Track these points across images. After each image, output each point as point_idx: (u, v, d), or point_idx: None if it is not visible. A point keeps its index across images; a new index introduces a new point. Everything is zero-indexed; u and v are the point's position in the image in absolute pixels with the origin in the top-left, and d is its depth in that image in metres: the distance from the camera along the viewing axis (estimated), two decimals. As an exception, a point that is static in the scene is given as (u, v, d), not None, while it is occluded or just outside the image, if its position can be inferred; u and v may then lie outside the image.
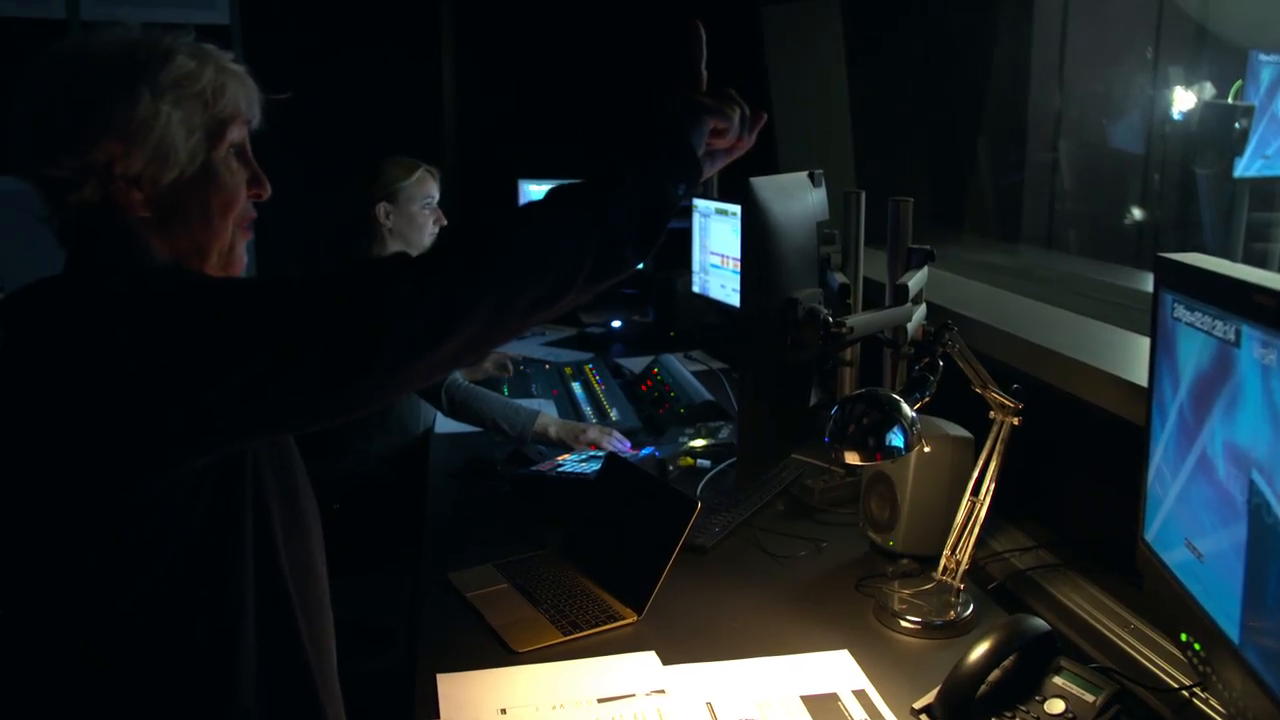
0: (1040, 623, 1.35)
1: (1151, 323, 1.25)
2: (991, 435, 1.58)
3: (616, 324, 3.61)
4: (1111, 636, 1.49)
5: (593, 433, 2.37)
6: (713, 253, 3.16)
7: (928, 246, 1.74)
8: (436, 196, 2.71)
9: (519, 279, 1.08)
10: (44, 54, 1.12)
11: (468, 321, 1.05)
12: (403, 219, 2.65)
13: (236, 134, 1.19)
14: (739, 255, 2.80)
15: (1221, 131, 2.68)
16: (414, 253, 2.75)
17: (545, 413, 2.44)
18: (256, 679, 1.12)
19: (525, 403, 2.73)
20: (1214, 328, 1.08)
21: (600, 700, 1.39)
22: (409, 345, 1.03)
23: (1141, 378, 1.38)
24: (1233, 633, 1.07)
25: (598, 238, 1.12)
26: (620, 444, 2.35)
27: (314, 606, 1.24)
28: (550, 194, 1.15)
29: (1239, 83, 2.66)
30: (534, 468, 2.22)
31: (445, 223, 2.70)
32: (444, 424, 2.59)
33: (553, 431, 2.38)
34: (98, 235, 1.13)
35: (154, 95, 1.10)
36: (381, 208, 2.64)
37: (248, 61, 1.23)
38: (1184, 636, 1.20)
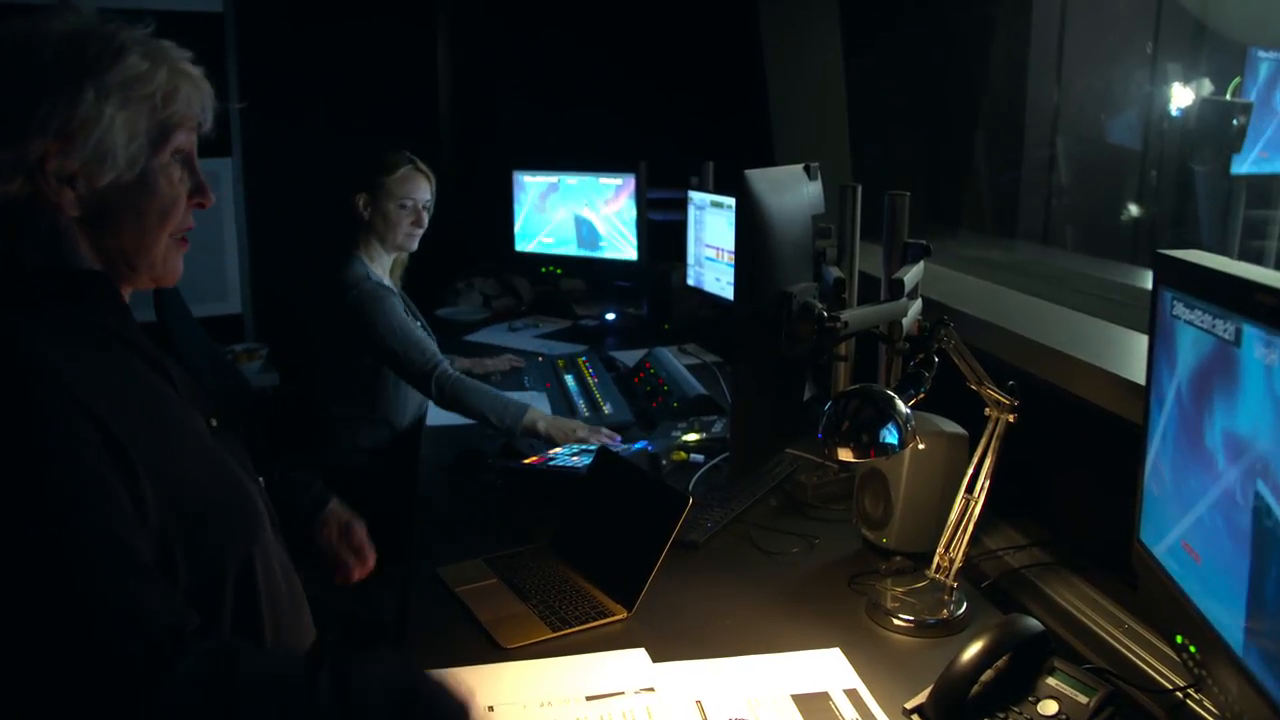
0: (1034, 623, 1.34)
1: (1150, 320, 1.24)
2: (986, 432, 1.57)
3: (610, 317, 3.60)
4: (1105, 636, 1.48)
5: (582, 431, 2.35)
6: (707, 245, 3.14)
7: (924, 241, 1.73)
8: (422, 198, 2.65)
9: None
10: None
11: None
12: (378, 214, 2.62)
13: (183, 140, 1.15)
14: (734, 248, 2.78)
15: (1219, 128, 2.67)
16: (386, 250, 2.71)
17: (535, 408, 2.42)
18: None
19: (518, 395, 2.72)
20: (1214, 326, 1.07)
21: (589, 698, 1.37)
22: None
23: (1139, 375, 1.37)
24: (1231, 637, 1.06)
25: None
26: (611, 441, 2.33)
27: (283, 605, 1.21)
28: None
29: (1237, 79, 2.65)
30: (525, 461, 2.21)
31: (424, 226, 2.66)
32: (435, 417, 2.57)
33: (542, 426, 2.35)
34: (23, 230, 1.08)
35: (99, 95, 1.06)
36: (361, 198, 2.61)
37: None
38: (1179, 639, 1.19)
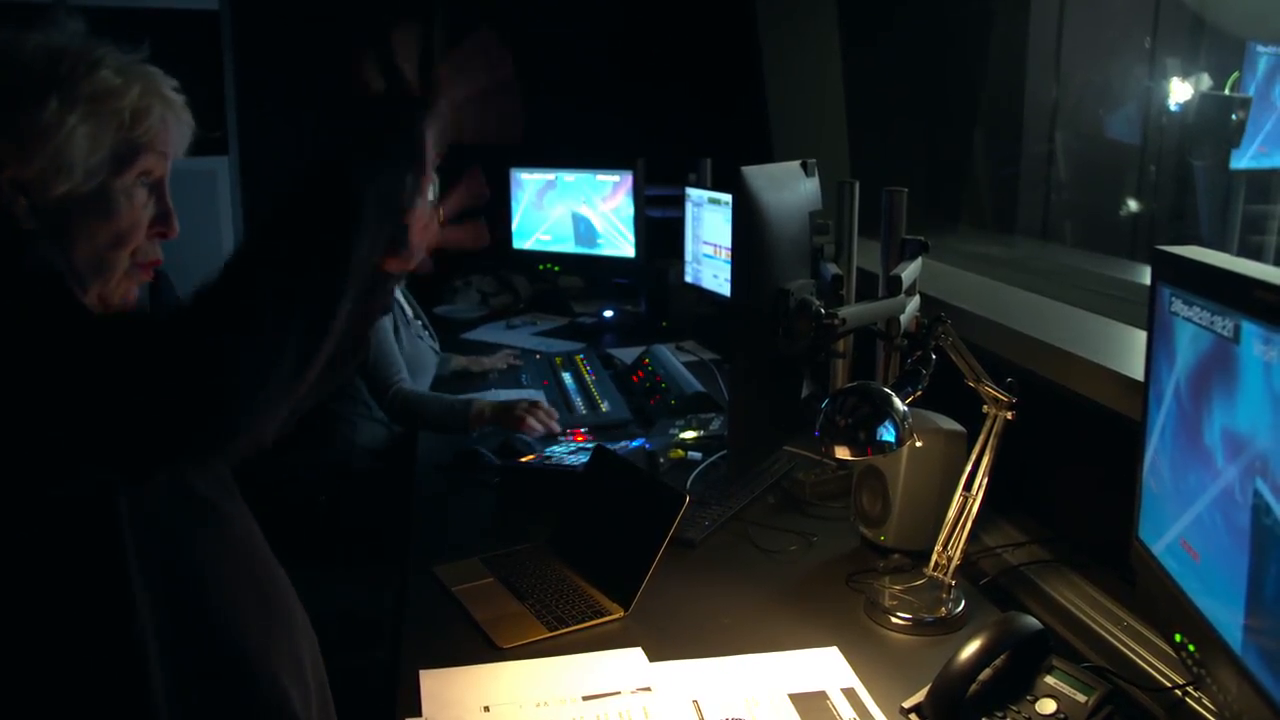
0: (1032, 621, 1.34)
1: (1149, 317, 1.23)
2: (985, 429, 1.56)
3: (608, 314, 3.59)
4: (1104, 634, 1.47)
5: (521, 407, 2.37)
6: (705, 242, 3.13)
7: (922, 237, 1.73)
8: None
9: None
10: None
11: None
12: None
13: (152, 164, 1.12)
14: (731, 245, 2.77)
15: (1218, 123, 2.66)
16: None
17: (480, 398, 2.44)
18: (164, 676, 1.07)
19: (516, 393, 2.71)
20: (1213, 323, 1.06)
21: (585, 698, 1.37)
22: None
23: (1138, 372, 1.36)
24: (1230, 635, 1.05)
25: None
26: (551, 422, 2.36)
27: (250, 601, 1.19)
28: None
29: (1236, 74, 2.64)
30: (522, 460, 2.20)
31: None
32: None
33: (489, 413, 2.38)
34: None
35: (62, 104, 1.04)
36: None
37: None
38: (1178, 637, 1.19)
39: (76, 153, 1.05)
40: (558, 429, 2.36)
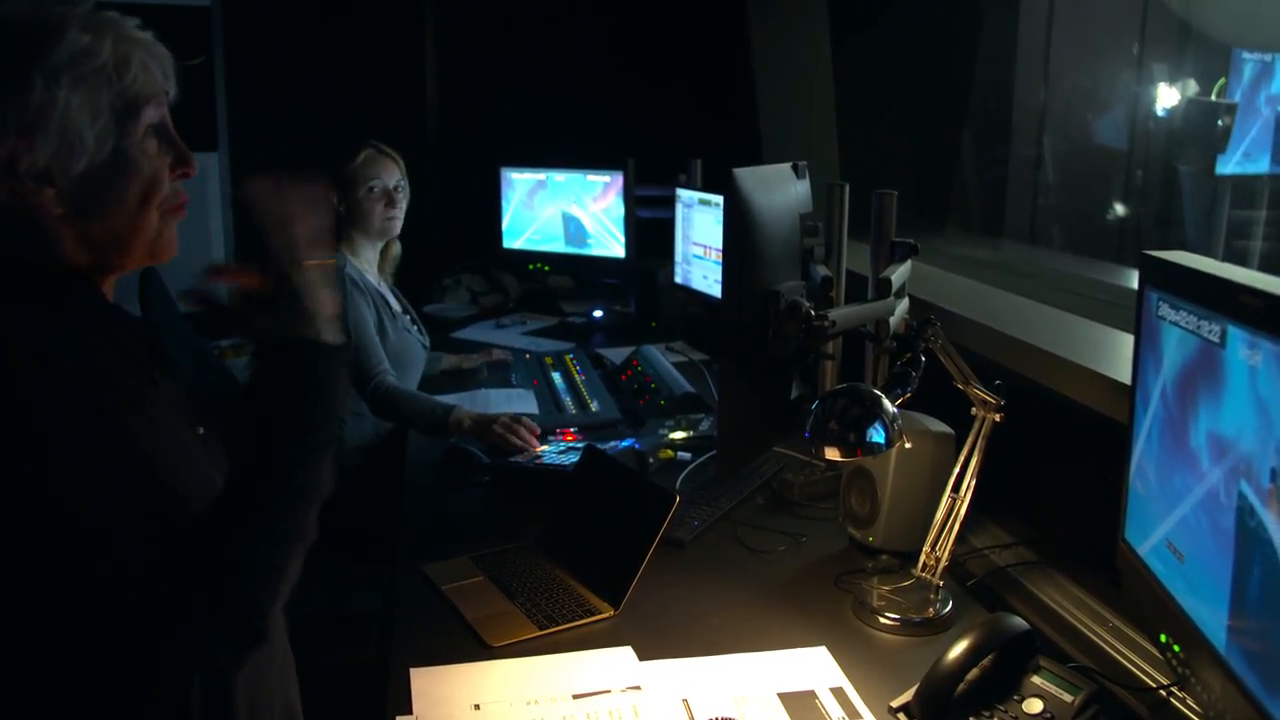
0: (1019, 622, 1.35)
1: (1136, 320, 1.24)
2: (973, 431, 1.57)
3: (598, 314, 3.59)
4: (1090, 635, 1.49)
5: (501, 422, 2.30)
6: (695, 243, 3.14)
7: (911, 240, 1.73)
8: (389, 180, 2.65)
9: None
10: None
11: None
12: (351, 204, 2.62)
13: (152, 113, 1.10)
14: (721, 246, 2.78)
15: (1204, 128, 2.69)
16: (369, 240, 2.69)
17: (461, 406, 2.42)
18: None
19: (505, 393, 2.71)
20: (1199, 327, 1.07)
21: (575, 696, 1.37)
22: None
23: (1124, 375, 1.37)
24: (1214, 636, 1.06)
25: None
26: (531, 437, 2.29)
27: None
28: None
29: (1222, 80, 2.66)
30: (512, 459, 2.20)
31: (399, 207, 2.66)
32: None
33: (467, 424, 2.34)
34: (9, 232, 1.06)
35: (47, 80, 1.02)
36: (333, 194, 2.60)
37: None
38: (1163, 638, 1.20)
39: (79, 124, 1.04)
40: (538, 446, 2.29)
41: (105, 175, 1.07)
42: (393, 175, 2.66)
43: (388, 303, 2.68)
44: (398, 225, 2.69)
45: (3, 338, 0.99)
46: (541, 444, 2.29)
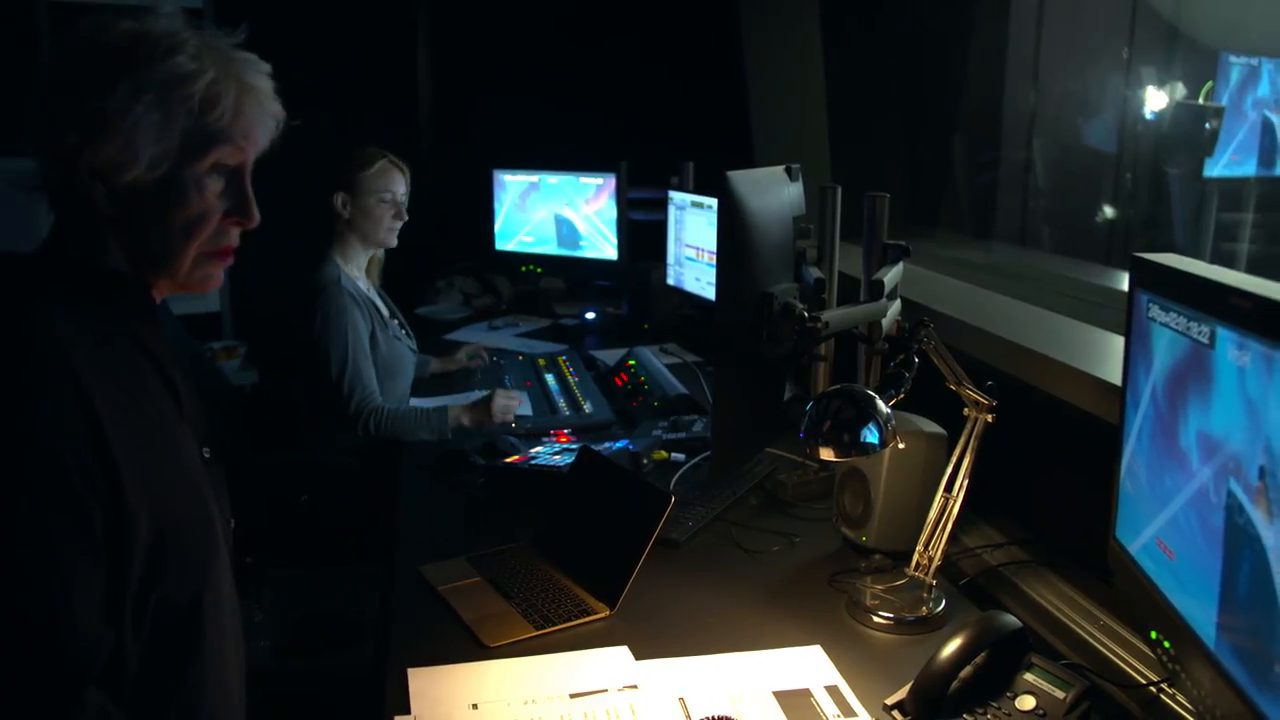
0: (1012, 620, 1.36)
1: (1126, 322, 1.26)
2: (965, 432, 1.58)
3: (590, 316, 3.60)
4: (1082, 633, 1.50)
5: (498, 402, 2.44)
6: (688, 246, 3.15)
7: (903, 242, 1.75)
8: (399, 191, 2.65)
9: None
10: (69, 32, 1.08)
11: None
12: (359, 211, 2.61)
13: (227, 155, 1.12)
14: (714, 248, 2.79)
15: (1193, 132, 2.71)
16: (365, 248, 2.70)
17: (453, 406, 2.47)
18: None
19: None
20: (1189, 329, 1.09)
21: (572, 695, 1.38)
22: None
23: (1115, 376, 1.39)
24: (1204, 632, 1.08)
25: None
26: (511, 402, 2.47)
27: (228, 647, 1.20)
28: None
29: (1210, 83, 2.69)
30: (507, 460, 2.21)
31: (405, 219, 2.66)
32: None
33: (466, 420, 2.42)
34: (65, 220, 1.10)
35: (131, 91, 1.05)
36: (339, 197, 2.60)
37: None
38: (1154, 634, 1.21)
39: (143, 140, 1.06)
40: (521, 401, 2.49)
41: (150, 194, 1.08)
42: (401, 187, 2.67)
43: (378, 310, 2.68)
44: (395, 238, 2.69)
45: (25, 335, 1.01)
46: (536, 445, 2.30)
